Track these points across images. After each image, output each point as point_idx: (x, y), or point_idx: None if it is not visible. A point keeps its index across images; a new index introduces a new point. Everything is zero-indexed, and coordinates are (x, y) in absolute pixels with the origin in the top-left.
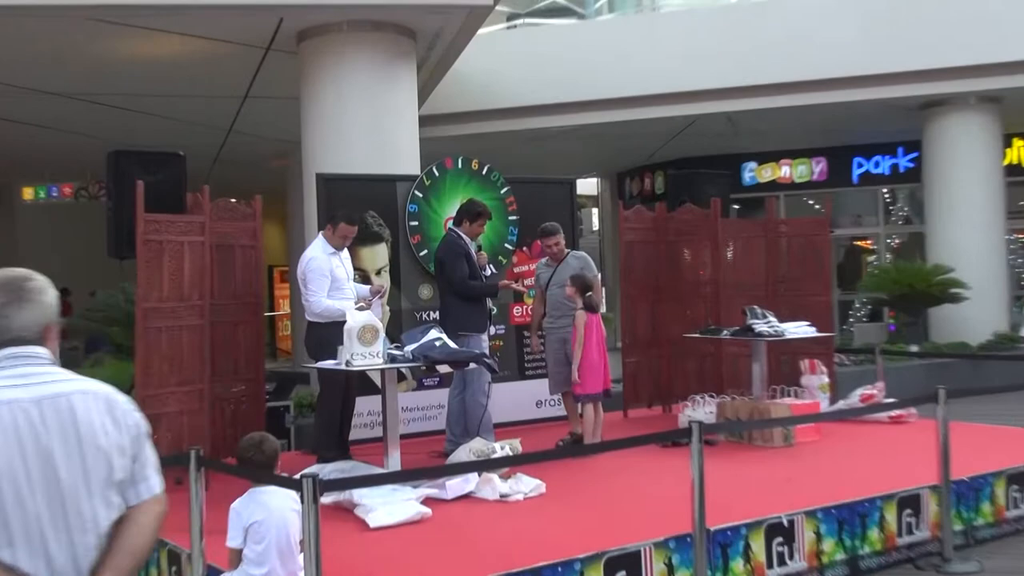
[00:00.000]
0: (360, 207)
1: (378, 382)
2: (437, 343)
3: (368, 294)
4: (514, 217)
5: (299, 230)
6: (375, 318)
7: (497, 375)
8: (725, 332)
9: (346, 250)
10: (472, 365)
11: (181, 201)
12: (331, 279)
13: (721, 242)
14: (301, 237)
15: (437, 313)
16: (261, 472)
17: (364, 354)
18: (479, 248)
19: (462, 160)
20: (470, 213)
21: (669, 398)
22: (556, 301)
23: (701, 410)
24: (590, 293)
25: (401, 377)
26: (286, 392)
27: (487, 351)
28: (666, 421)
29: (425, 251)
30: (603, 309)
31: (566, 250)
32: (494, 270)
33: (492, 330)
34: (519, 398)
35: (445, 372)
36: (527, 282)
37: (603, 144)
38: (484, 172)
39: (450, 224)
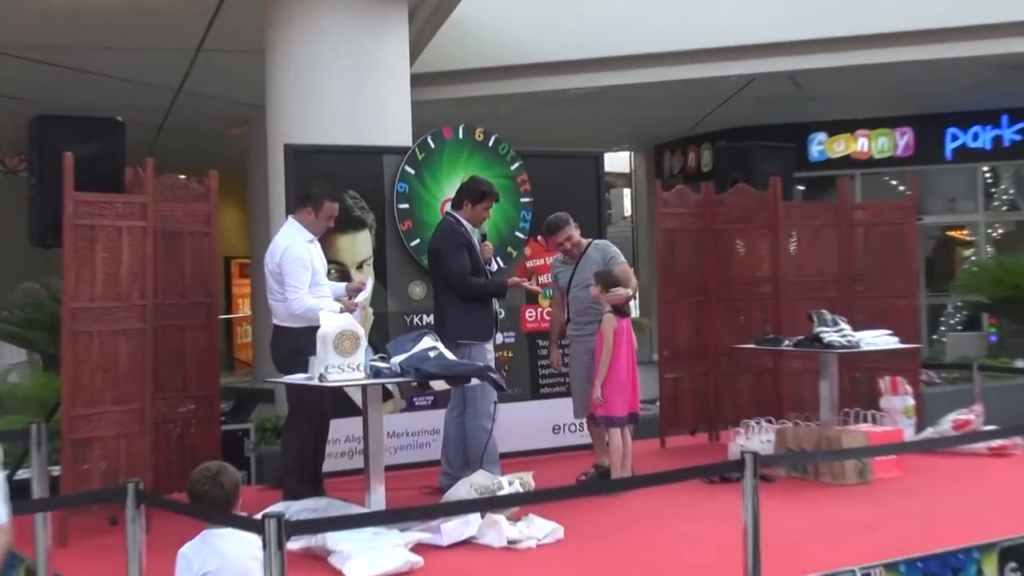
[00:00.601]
0: (338, 186)
1: (358, 401)
2: (431, 354)
3: (344, 293)
4: (527, 199)
5: (262, 213)
6: (355, 322)
7: (505, 393)
8: (787, 342)
9: (316, 242)
10: (474, 381)
11: (119, 177)
12: (312, 272)
13: (782, 231)
14: (265, 222)
15: (431, 317)
16: (216, 511)
17: (341, 366)
18: (483, 237)
19: (464, 129)
20: (473, 194)
21: (717, 423)
22: (581, 305)
23: (756, 438)
24: (617, 288)
25: (387, 395)
26: (245, 413)
27: (492, 364)
28: (713, 452)
29: (417, 240)
30: (633, 306)
31: (585, 241)
32: (502, 264)
33: (499, 338)
34: (532, 422)
35: (441, 389)
36: (543, 279)
37: (637, 110)
38: (490, 144)
39: (448, 208)
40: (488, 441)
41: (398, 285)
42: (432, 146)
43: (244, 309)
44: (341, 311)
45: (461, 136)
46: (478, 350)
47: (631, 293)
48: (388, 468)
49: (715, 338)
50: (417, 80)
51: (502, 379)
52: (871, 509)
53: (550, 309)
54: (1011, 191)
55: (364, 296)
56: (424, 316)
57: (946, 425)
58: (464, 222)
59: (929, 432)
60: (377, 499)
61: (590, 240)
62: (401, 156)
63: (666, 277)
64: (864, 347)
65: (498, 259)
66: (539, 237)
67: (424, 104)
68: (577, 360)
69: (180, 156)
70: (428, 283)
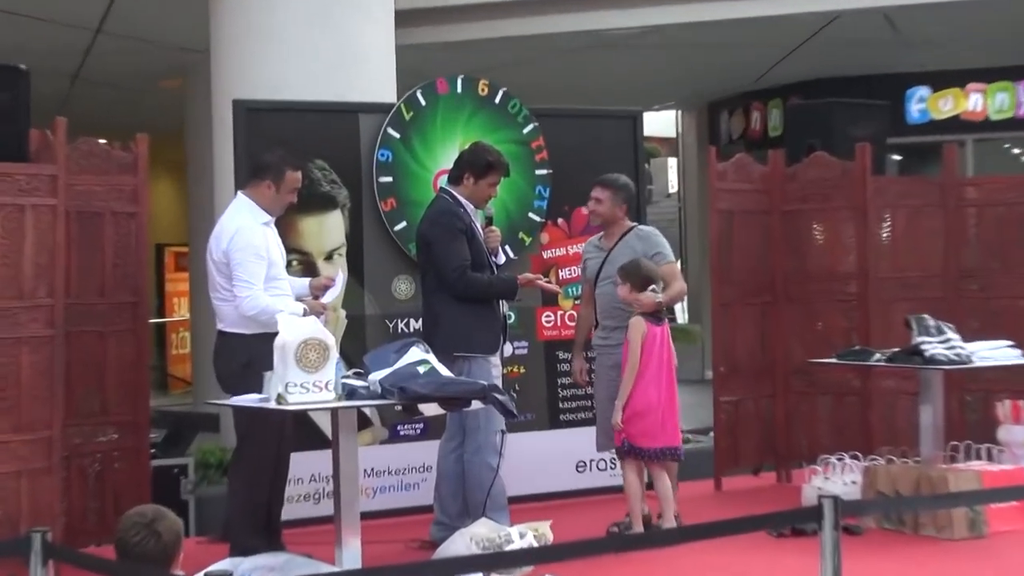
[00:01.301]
0: (301, 153)
1: (327, 429)
2: (421, 369)
3: (309, 292)
4: (544, 170)
5: (204, 188)
6: (323, 328)
7: (515, 420)
8: (878, 356)
9: (273, 225)
10: (476, 404)
11: (22, 142)
12: (268, 263)
13: (872, 213)
14: (208, 200)
15: (420, 322)
16: (150, 569)
17: (305, 385)
18: (488, 221)
19: (463, 81)
20: (476, 165)
21: (787, 460)
22: (607, 304)
23: (838, 479)
24: (653, 287)
25: (364, 422)
26: (182, 444)
27: (499, 382)
28: (782, 495)
29: (403, 223)
30: (680, 309)
31: (626, 223)
32: (512, 255)
33: (507, 349)
34: (550, 457)
35: (433, 415)
36: (565, 273)
37: (686, 58)
38: (497, 100)
39: (443, 183)
40: (494, 482)
41: (378, 281)
42: (423, 103)
43: (181, 311)
44: (305, 313)
45: (460, 90)
46: (481, 365)
47: (662, 299)
48: (365, 516)
49: (785, 350)
50: (403, 18)
51: (511, 402)
52: (987, 570)
53: (577, 307)
54: None
55: (334, 295)
56: (412, 321)
57: None
58: (464, 201)
59: None
60: (351, 555)
61: (633, 224)
62: (383, 116)
63: (722, 272)
64: (977, 362)
65: (507, 249)
66: (559, 221)
67: (412, 49)
68: (602, 376)
69: (100, 115)
70: (416, 278)
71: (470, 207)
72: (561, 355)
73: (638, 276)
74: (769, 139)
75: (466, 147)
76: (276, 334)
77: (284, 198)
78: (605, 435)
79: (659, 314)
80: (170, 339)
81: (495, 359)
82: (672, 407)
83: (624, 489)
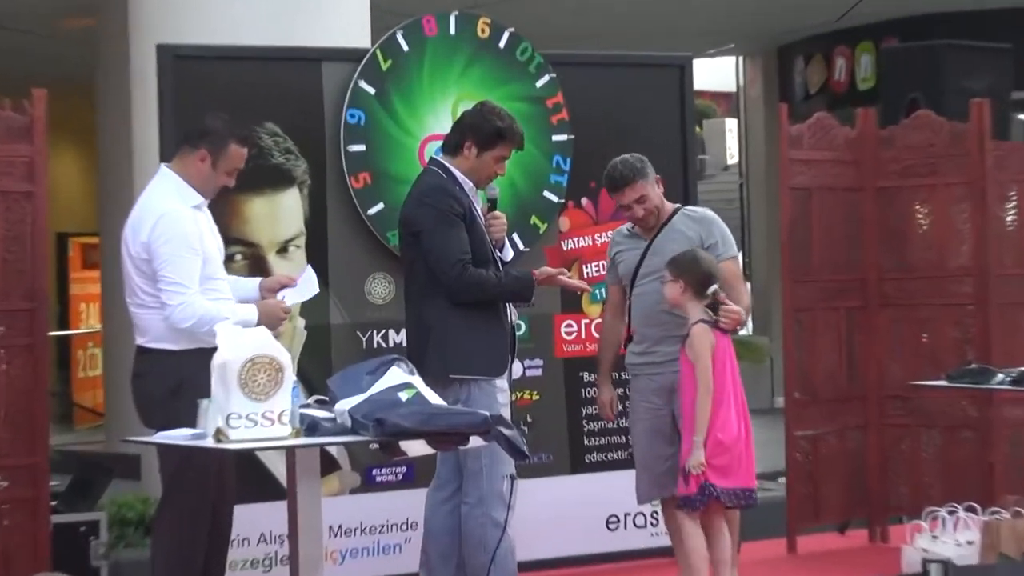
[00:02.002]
0: (247, 115)
1: (281, 475)
2: (403, 395)
3: (257, 295)
4: (563, 137)
5: (121, 160)
6: (275, 343)
7: (527, 462)
8: (1000, 377)
9: (206, 208)
10: (476, 441)
11: None
12: (203, 258)
13: (992, 190)
14: (125, 175)
15: (403, 335)
16: None
17: (253, 416)
18: (492, 205)
19: (457, 19)
20: (480, 132)
21: (881, 513)
22: (650, 309)
23: (949, 538)
24: (715, 288)
25: (330, 465)
26: (93, 494)
27: (507, 413)
28: (876, 559)
29: (380, 205)
30: (746, 325)
31: (669, 206)
32: (521, 246)
33: (518, 369)
34: (574, 510)
35: (420, 455)
36: (591, 270)
37: None
38: (502, 44)
39: (434, 151)
40: (500, 541)
41: (347, 281)
42: (405, 48)
43: (90, 321)
44: (260, 322)
45: (453, 31)
46: (484, 390)
47: (744, 316)
48: None
49: (879, 370)
50: None
51: (521, 438)
52: None
53: (604, 316)
54: None
55: (304, 296)
56: (392, 333)
57: None
58: (460, 177)
59: None
60: None
61: (677, 206)
62: (353, 65)
63: (796, 269)
64: None
65: (516, 239)
66: (583, 202)
67: None
68: (640, 405)
69: None
70: (398, 278)
71: (468, 185)
72: (586, 376)
73: (697, 272)
74: (858, 93)
75: (470, 109)
76: (214, 350)
77: (220, 178)
78: (650, 482)
79: (719, 321)
80: (76, 357)
81: (501, 383)
82: (749, 438)
83: (676, 551)
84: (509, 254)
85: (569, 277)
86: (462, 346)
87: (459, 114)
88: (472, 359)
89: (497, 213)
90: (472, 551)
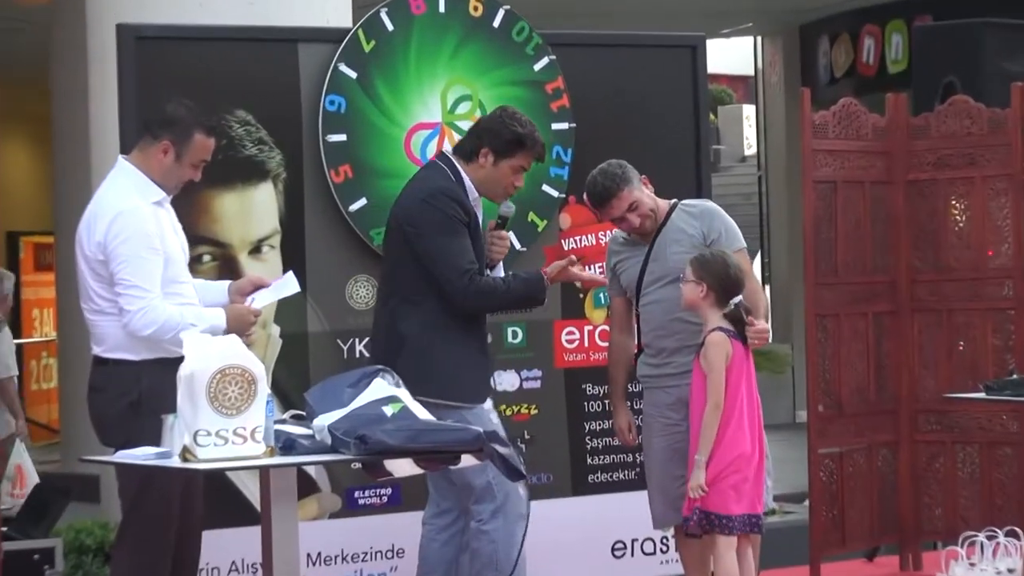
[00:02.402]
0: (216, 103)
1: (255, 498)
2: (388, 409)
3: (227, 299)
4: (564, 125)
5: (77, 153)
6: (247, 352)
7: (524, 482)
8: None
9: (168, 204)
10: (468, 460)
11: None
12: (165, 259)
13: None
14: (82, 169)
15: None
16: None
17: (223, 433)
18: (501, 223)
19: None
20: (498, 138)
21: (914, 538)
22: (663, 318)
23: (989, 566)
24: (740, 299)
25: (309, 487)
26: (47, 519)
27: (499, 429)
28: None
29: (362, 201)
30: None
31: (664, 204)
32: (518, 245)
33: (514, 381)
34: (576, 535)
35: (407, 475)
36: (595, 272)
37: None
38: (497, 23)
39: (445, 150)
40: (517, 563)
41: (327, 284)
42: (390, 28)
43: (44, 329)
44: (229, 329)
45: (443, 9)
46: (476, 415)
47: (766, 326)
48: None
49: (911, 381)
50: None
51: (518, 457)
52: None
53: (607, 330)
54: None
55: (265, 302)
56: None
57: None
58: (470, 184)
59: None
60: None
61: (674, 201)
62: (333, 47)
63: (820, 269)
64: None
65: (512, 238)
66: (586, 197)
67: None
68: (655, 420)
69: None
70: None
71: (475, 195)
72: (590, 389)
73: (724, 279)
74: (888, 77)
75: (491, 113)
76: (179, 360)
77: (184, 172)
78: (666, 504)
79: (742, 325)
80: (29, 369)
81: (487, 406)
82: (762, 458)
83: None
84: (500, 272)
85: (580, 267)
86: (446, 368)
87: (448, 100)
88: (458, 384)
89: (503, 233)
90: (481, 571)
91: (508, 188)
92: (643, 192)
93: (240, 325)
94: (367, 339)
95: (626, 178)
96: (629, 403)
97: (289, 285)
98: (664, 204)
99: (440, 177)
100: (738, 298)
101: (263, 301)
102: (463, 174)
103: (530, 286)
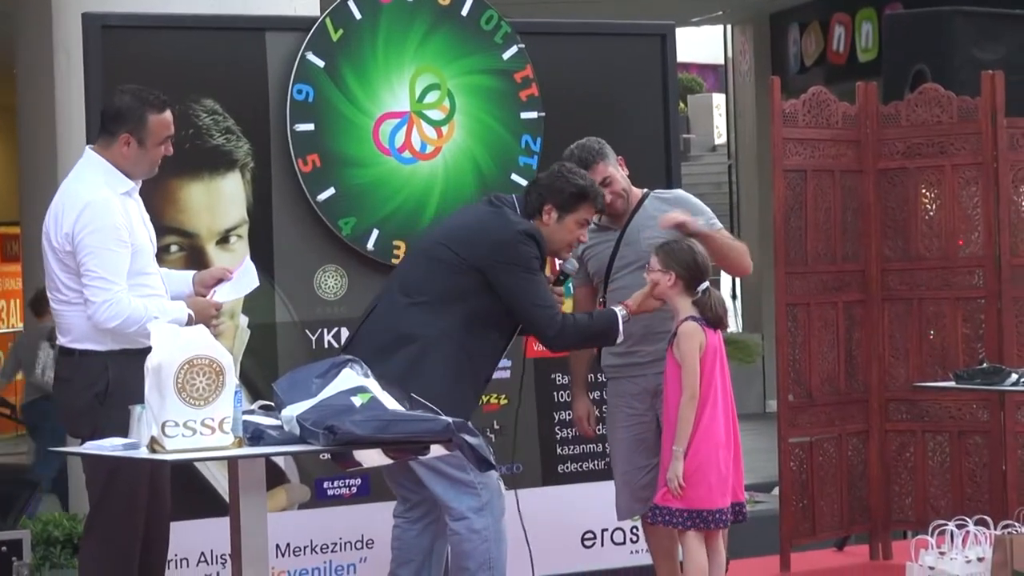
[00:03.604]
0: (183, 90)
1: (223, 489)
2: (357, 400)
3: (191, 290)
4: (533, 114)
5: (43, 143)
6: (215, 342)
7: (493, 471)
8: (1015, 377)
9: (137, 195)
10: (435, 451)
11: None
12: (133, 251)
13: (1006, 172)
14: (48, 159)
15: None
16: None
17: (191, 424)
18: (562, 278)
19: None
20: (560, 195)
21: (883, 527)
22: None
23: (958, 555)
24: (706, 285)
25: (277, 478)
26: (15, 511)
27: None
28: None
29: (330, 190)
30: (732, 317)
31: (637, 191)
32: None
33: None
34: (546, 526)
35: (376, 465)
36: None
37: None
38: (465, 11)
39: (503, 200)
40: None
41: (296, 274)
42: (357, 16)
43: (12, 320)
44: (191, 320)
45: None
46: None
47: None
48: None
49: (881, 370)
50: None
51: (487, 447)
52: None
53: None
54: None
55: (240, 292)
56: (344, 331)
57: None
58: (541, 242)
59: None
60: None
61: (646, 190)
62: (301, 35)
63: (790, 258)
64: None
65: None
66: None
67: None
68: (620, 412)
69: None
70: (351, 270)
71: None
72: (559, 379)
73: (692, 266)
74: (858, 65)
75: (550, 171)
76: (145, 351)
77: (153, 153)
78: (631, 496)
79: (715, 316)
80: None
81: None
82: (738, 448)
83: (658, 570)
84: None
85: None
86: (452, 391)
87: (417, 89)
88: (455, 402)
89: (560, 290)
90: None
91: (572, 242)
92: (618, 171)
93: (203, 318)
94: (336, 329)
95: (603, 152)
96: (595, 393)
97: (249, 279)
98: (637, 192)
99: (527, 222)
100: (705, 284)
101: (226, 296)
102: (535, 234)
103: (607, 323)
